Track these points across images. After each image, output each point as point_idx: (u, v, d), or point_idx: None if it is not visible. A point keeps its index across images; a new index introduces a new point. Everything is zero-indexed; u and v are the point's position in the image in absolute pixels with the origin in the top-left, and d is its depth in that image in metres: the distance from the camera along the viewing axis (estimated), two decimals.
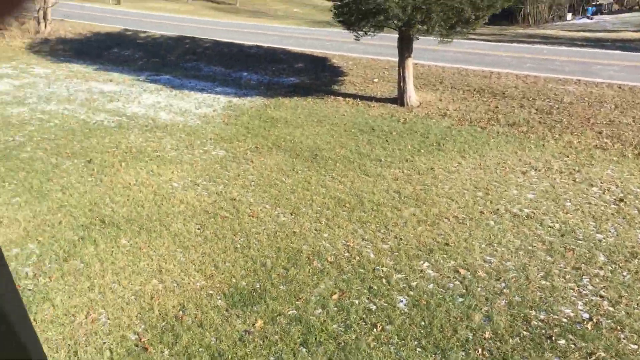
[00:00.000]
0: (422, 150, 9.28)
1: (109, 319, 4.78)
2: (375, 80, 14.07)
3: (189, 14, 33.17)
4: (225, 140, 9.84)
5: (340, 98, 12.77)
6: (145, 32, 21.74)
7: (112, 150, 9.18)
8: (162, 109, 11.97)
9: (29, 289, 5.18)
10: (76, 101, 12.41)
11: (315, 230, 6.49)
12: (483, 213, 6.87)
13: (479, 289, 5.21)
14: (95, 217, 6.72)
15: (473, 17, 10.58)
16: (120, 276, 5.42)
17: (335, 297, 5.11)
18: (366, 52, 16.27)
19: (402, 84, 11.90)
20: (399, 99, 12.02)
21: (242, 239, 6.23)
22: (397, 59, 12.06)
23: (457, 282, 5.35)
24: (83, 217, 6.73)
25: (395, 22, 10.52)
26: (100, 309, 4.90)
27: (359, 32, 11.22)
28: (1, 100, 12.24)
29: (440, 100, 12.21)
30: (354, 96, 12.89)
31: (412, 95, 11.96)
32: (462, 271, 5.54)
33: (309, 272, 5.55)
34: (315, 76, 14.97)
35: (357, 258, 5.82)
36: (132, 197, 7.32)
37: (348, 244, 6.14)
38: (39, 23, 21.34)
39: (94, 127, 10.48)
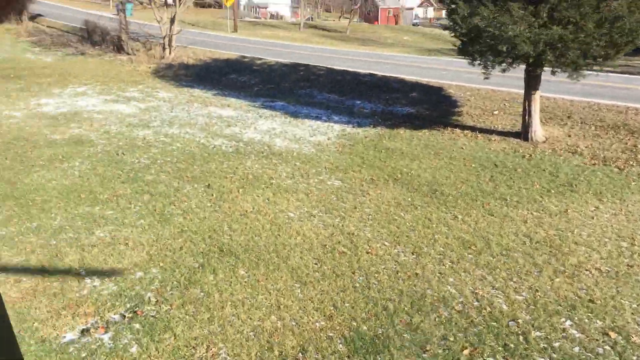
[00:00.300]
0: (552, 191, 8.58)
1: (228, 355, 4.63)
2: (496, 112, 13.43)
3: (301, 42, 34.00)
4: (340, 170, 9.68)
5: (458, 130, 12.27)
6: (260, 59, 22.41)
7: (230, 176, 9.29)
8: (277, 135, 12.07)
9: (152, 316, 5.17)
10: (196, 125, 12.83)
11: (439, 273, 6.06)
12: (631, 267, 6.12)
13: (634, 358, 4.55)
14: (214, 245, 6.71)
15: (610, 53, 9.76)
16: (239, 309, 5.29)
17: (466, 352, 4.65)
18: (484, 83, 15.65)
19: (527, 117, 11.21)
20: (523, 133, 11.33)
21: (361, 278, 5.94)
22: (518, 90, 11.48)
23: (607, 347, 4.71)
24: (202, 243, 6.75)
25: (524, 59, 9.94)
26: (220, 344, 4.77)
27: (487, 69, 10.66)
28: (128, 123, 12.91)
29: (569, 136, 11.36)
30: (472, 128, 12.34)
31: (538, 130, 11.22)
32: (613, 334, 4.88)
33: (435, 320, 5.14)
34: (430, 106, 14.57)
35: (488, 309, 5.33)
36: (249, 226, 7.27)
37: (476, 291, 5.66)
38: (164, 49, 22.63)
39: (213, 152, 10.71)
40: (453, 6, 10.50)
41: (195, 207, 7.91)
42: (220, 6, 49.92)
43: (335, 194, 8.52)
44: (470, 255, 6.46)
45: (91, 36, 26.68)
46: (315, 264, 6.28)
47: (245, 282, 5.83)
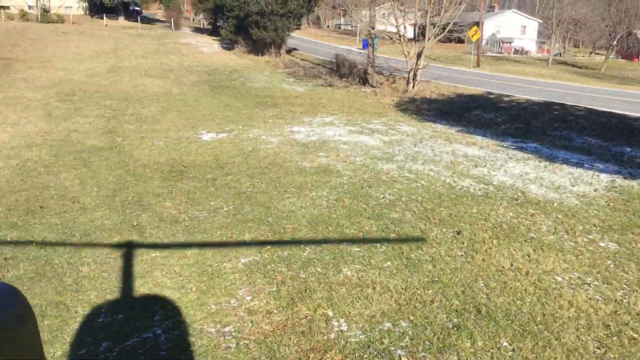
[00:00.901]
0: None
1: None
2: None
3: (549, 78, 31.63)
4: (615, 230, 8.18)
5: None
6: (507, 95, 21.14)
7: (481, 223, 8.45)
8: (532, 181, 10.87)
9: None
10: (441, 163, 12.25)
11: None
12: None
13: None
14: (469, 303, 5.95)
15: None
16: None
17: None
18: None
19: None
20: None
21: None
22: None
23: None
24: (456, 299, 6.03)
25: None
26: None
27: None
28: (373, 155, 12.86)
29: None
30: None
31: None
32: None
33: None
34: None
35: None
36: (508, 286, 6.35)
37: None
38: (407, 83, 22.70)
39: (460, 194, 9.98)
40: None
41: (445, 255, 7.24)
42: (461, 41, 49.40)
43: (613, 260, 7.13)
44: None
45: (339, 69, 28.12)
46: (597, 348, 5.11)
47: (509, 356, 4.95)
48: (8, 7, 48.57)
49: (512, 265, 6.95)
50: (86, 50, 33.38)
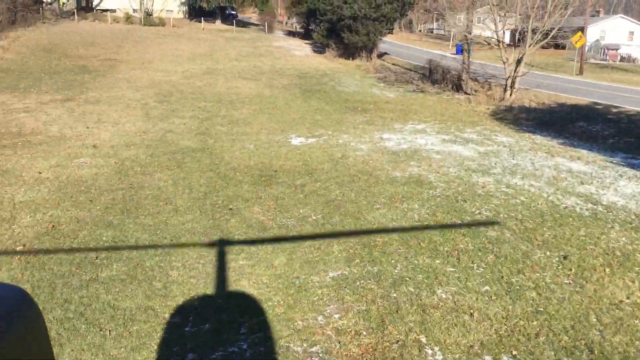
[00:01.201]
0: None
1: None
2: None
3: None
4: None
5: None
6: (615, 106, 19.67)
7: (591, 248, 7.70)
8: None
9: None
10: (542, 178, 11.44)
11: None
12: None
13: None
14: (579, 340, 5.35)
15: None
16: None
17: None
18: None
19: None
20: None
21: None
22: None
23: None
24: (564, 334, 5.44)
25: None
26: None
27: None
28: (467, 167, 12.24)
29: None
30: None
31: None
32: None
33: None
34: None
35: None
36: (625, 323, 5.67)
37: None
38: (504, 91, 21.67)
39: (565, 213, 9.21)
40: None
41: (550, 282, 6.63)
42: (561, 47, 46.90)
43: None
44: None
45: (432, 74, 27.39)
46: None
47: None
48: (114, 11, 51.43)
49: (628, 298, 6.24)
50: (184, 52, 34.60)
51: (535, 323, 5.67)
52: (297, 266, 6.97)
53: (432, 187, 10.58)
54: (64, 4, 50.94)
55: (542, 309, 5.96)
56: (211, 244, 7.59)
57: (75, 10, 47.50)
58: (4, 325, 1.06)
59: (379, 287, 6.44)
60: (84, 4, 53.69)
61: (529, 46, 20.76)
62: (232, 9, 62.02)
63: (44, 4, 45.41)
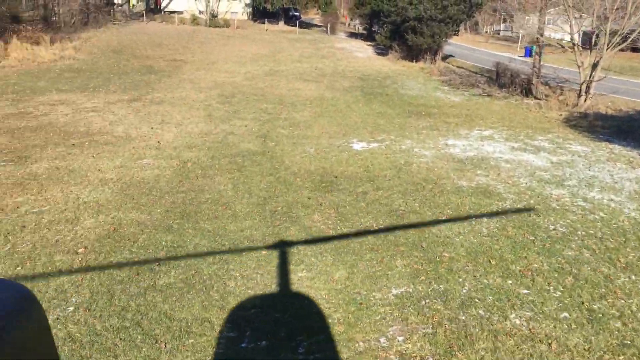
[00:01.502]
0: None
1: None
2: None
3: None
4: None
5: None
6: None
7: None
8: None
9: None
10: (622, 192, 10.63)
11: None
12: None
13: None
14: None
15: None
16: None
17: None
18: None
19: None
20: None
21: None
22: None
23: None
24: None
25: None
26: None
27: None
28: (539, 177, 11.55)
29: None
30: None
31: None
32: None
33: None
34: None
35: None
36: None
37: None
38: (579, 96, 20.56)
39: None
40: None
41: (636, 311, 6.02)
42: (639, 50, 44.42)
43: None
44: None
45: (499, 78, 26.40)
46: None
47: None
48: (182, 12, 52.61)
49: None
50: (247, 53, 34.88)
51: (622, 358, 5.11)
52: (358, 281, 6.64)
53: (502, 199, 10.00)
54: (134, 5, 52.54)
55: (628, 342, 5.39)
56: (270, 254, 7.35)
57: (144, 11, 48.89)
58: (6, 323, 1.04)
59: (446, 308, 6.02)
60: (152, 5, 55.23)
61: (607, 49, 19.58)
62: (296, 10, 62.38)
63: (115, 6, 46.95)
